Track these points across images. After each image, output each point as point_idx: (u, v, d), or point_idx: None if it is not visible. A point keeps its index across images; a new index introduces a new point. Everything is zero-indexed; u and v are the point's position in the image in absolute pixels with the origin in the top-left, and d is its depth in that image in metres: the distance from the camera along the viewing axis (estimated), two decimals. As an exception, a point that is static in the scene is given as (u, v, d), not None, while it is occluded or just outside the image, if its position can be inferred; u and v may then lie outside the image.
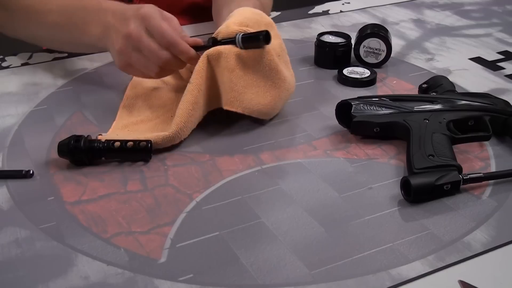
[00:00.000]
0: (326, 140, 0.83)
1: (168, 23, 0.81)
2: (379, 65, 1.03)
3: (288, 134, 0.84)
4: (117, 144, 0.76)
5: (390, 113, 0.81)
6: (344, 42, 1.02)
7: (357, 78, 0.97)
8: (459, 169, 0.72)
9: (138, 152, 0.76)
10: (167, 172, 0.76)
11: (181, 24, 0.85)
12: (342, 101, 0.84)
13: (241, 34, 0.79)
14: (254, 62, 0.80)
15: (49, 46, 1.06)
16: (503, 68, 1.04)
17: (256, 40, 0.79)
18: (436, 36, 1.18)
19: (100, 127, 0.85)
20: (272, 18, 0.90)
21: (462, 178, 0.71)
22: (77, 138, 0.75)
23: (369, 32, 1.02)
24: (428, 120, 0.79)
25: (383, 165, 0.78)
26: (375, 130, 0.81)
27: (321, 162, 0.78)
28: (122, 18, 0.83)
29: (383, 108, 0.82)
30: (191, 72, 0.80)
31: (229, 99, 0.80)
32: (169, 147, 0.79)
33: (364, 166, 0.77)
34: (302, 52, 1.08)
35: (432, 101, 0.82)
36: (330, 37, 1.04)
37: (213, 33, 0.84)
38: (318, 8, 1.30)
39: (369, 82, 0.97)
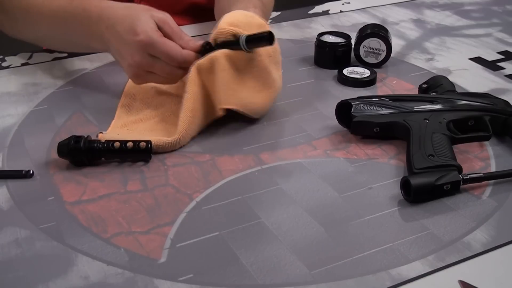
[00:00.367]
0: (326, 140, 0.83)
1: (169, 41, 0.81)
2: (379, 65, 1.03)
3: (288, 134, 0.84)
4: (117, 144, 0.76)
5: (390, 113, 0.81)
6: (344, 42, 1.02)
7: (357, 78, 0.97)
8: (459, 169, 0.72)
9: (138, 153, 0.76)
10: (167, 172, 0.76)
11: (182, 24, 0.85)
12: (342, 101, 0.84)
13: (245, 35, 0.79)
14: (245, 63, 0.81)
15: (49, 47, 1.06)
16: (503, 68, 1.04)
17: (260, 40, 0.79)
18: (436, 36, 1.18)
19: (100, 127, 0.85)
20: (272, 18, 0.90)
21: (462, 178, 0.71)
22: (77, 139, 0.75)
23: (369, 32, 1.02)
24: (428, 120, 0.79)
25: (383, 165, 0.78)
26: (375, 130, 0.81)
27: (321, 162, 0.78)
28: (122, 42, 0.83)
29: (383, 108, 0.82)
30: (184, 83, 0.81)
31: (225, 96, 0.81)
32: (169, 147, 0.80)
33: (364, 166, 0.77)
34: (302, 52, 1.08)
35: (432, 101, 0.82)
36: (330, 37, 1.04)
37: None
38: (318, 8, 1.30)
39: (369, 82, 0.97)
